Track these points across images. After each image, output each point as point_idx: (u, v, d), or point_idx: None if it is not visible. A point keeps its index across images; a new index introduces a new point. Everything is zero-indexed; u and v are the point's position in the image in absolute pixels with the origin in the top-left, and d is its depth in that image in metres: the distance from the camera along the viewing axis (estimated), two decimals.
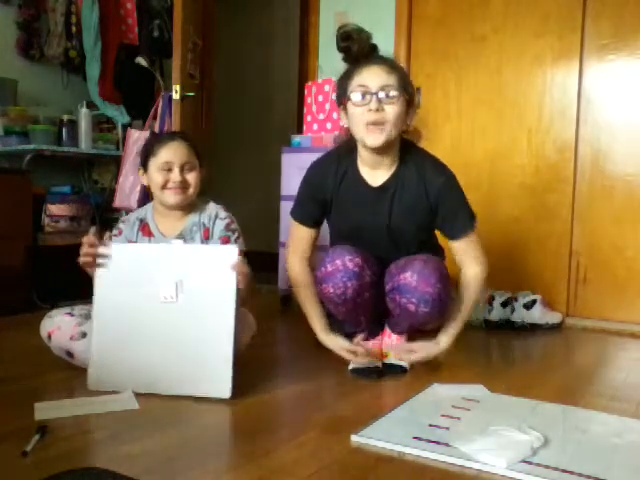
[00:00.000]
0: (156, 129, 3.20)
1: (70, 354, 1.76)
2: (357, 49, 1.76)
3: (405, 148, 1.84)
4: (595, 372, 1.84)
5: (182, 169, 1.86)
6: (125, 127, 3.43)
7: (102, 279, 1.64)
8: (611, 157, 2.71)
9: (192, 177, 1.88)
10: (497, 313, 2.61)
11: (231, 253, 1.59)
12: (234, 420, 1.46)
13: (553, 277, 2.82)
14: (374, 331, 1.93)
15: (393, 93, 1.70)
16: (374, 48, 1.80)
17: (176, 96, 3.04)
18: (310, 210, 1.93)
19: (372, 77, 1.71)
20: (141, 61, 3.42)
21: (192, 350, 1.59)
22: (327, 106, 3.01)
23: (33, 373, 1.79)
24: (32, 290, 2.88)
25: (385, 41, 3.25)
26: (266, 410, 1.54)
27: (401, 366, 1.86)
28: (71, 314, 1.80)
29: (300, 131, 3.44)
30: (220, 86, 4.13)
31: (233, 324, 1.57)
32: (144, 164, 1.91)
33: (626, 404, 1.63)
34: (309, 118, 3.10)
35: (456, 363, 2.06)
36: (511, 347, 2.39)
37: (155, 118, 3.25)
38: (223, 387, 1.57)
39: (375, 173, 1.84)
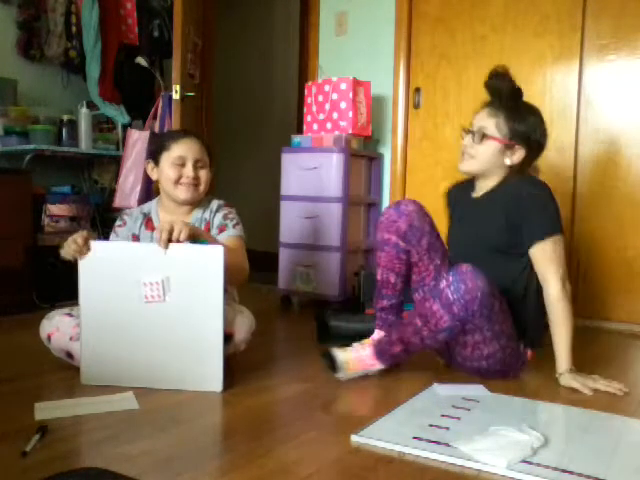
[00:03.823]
0: (156, 129, 3.21)
1: (70, 355, 1.75)
2: None
3: (515, 173, 1.88)
4: (595, 372, 1.83)
5: (195, 165, 1.87)
6: (125, 127, 3.44)
7: (86, 276, 1.62)
8: (611, 157, 2.71)
9: (203, 174, 1.90)
10: None
11: (217, 253, 1.58)
12: (234, 420, 1.46)
13: None
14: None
15: None
16: None
17: (176, 96, 3.04)
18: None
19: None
20: (141, 61, 3.42)
21: (182, 346, 1.60)
22: (327, 106, 3.01)
23: (33, 373, 1.78)
24: (32, 290, 2.88)
25: (385, 41, 3.26)
26: (266, 410, 1.54)
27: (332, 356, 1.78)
28: (70, 314, 1.79)
29: (300, 131, 3.44)
30: (220, 86, 4.13)
31: (222, 320, 1.59)
32: (155, 158, 1.91)
33: (626, 404, 1.63)
34: (309, 118, 3.10)
35: None
36: None
37: (155, 118, 3.26)
38: (214, 381, 1.60)
39: (480, 187, 1.95)
